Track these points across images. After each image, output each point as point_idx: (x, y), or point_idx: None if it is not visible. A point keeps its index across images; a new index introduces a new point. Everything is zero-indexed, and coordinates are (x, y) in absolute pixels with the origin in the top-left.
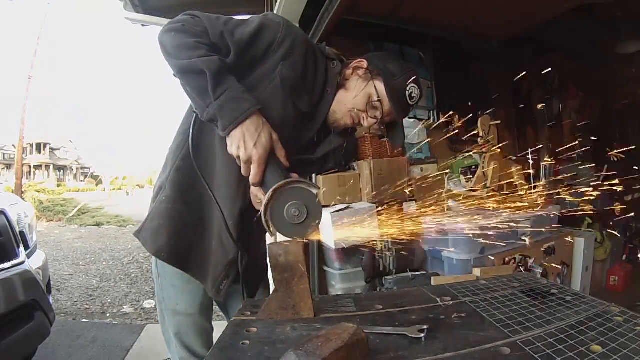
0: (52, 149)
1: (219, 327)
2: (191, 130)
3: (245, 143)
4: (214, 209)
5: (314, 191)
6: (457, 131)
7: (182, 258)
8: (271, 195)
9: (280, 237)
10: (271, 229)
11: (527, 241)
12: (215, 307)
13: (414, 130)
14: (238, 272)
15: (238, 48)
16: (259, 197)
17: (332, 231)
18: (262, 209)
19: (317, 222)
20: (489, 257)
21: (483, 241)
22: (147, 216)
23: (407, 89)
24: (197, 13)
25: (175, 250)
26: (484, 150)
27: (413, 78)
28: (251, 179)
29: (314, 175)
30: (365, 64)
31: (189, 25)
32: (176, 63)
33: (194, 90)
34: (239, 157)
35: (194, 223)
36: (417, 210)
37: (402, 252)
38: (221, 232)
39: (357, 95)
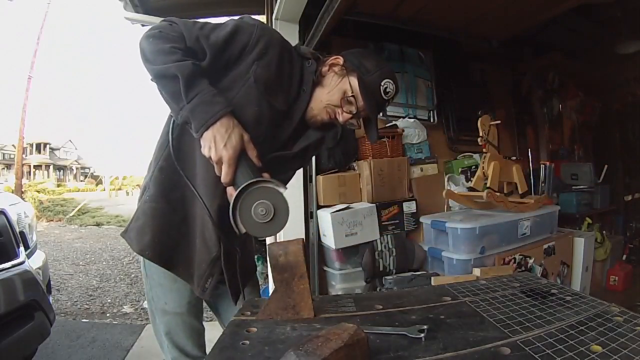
0: (52, 149)
1: (211, 328)
2: (170, 133)
3: (216, 144)
4: (196, 208)
5: (281, 190)
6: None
7: (167, 257)
8: (238, 194)
9: (289, 237)
10: (239, 228)
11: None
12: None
13: (414, 130)
14: (220, 269)
15: (213, 51)
16: None
17: (331, 231)
18: (230, 208)
19: (283, 221)
20: (489, 257)
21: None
22: (132, 216)
23: (382, 84)
24: (175, 19)
25: (160, 249)
26: (484, 150)
27: (388, 74)
28: (222, 178)
29: (313, 174)
30: (341, 60)
31: (165, 32)
32: (152, 68)
33: (168, 94)
34: (210, 157)
35: (178, 222)
36: None
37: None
38: (204, 230)
39: (332, 91)
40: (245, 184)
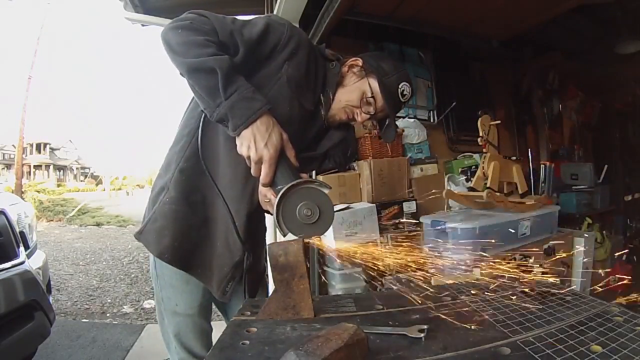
0: (52, 149)
1: (218, 327)
2: (200, 131)
3: (256, 143)
4: (218, 211)
5: (325, 191)
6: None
7: (186, 259)
8: (282, 196)
9: (289, 237)
10: (283, 229)
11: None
12: (214, 308)
13: (414, 130)
14: (242, 272)
15: (247, 47)
16: (268, 198)
17: (331, 231)
18: (273, 210)
19: (329, 222)
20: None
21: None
22: (148, 218)
23: (400, 87)
24: (204, 12)
25: (179, 252)
26: (484, 150)
27: (405, 77)
28: (261, 179)
29: (313, 174)
30: (360, 62)
31: (197, 23)
32: (184, 61)
33: (203, 89)
34: (249, 157)
35: (198, 225)
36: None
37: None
38: (227, 233)
39: (351, 92)
40: (290, 185)
